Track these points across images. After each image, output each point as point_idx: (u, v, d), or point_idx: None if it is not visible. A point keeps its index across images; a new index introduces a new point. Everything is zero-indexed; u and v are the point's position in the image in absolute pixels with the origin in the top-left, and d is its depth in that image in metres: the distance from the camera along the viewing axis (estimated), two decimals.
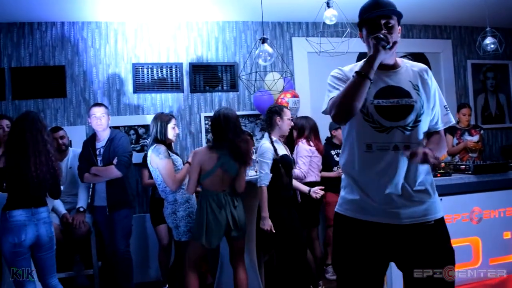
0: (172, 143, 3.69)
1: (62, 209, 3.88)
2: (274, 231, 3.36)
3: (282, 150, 3.56)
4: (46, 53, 4.89)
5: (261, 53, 3.69)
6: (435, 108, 1.93)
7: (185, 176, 3.42)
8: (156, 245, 4.34)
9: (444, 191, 3.54)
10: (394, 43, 1.82)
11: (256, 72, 4.21)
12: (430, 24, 6.04)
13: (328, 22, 3.52)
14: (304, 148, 4.15)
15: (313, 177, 4.18)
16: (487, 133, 6.10)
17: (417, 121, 1.84)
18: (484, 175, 3.66)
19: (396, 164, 1.80)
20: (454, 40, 6.16)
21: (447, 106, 2.01)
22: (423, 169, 1.84)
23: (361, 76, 1.75)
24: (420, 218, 1.82)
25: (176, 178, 3.38)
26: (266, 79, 4.68)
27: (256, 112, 5.20)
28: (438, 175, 3.63)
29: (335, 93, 1.85)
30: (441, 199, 3.43)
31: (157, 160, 3.39)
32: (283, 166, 3.47)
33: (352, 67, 1.96)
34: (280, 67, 5.27)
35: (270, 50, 3.72)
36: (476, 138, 5.08)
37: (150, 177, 3.75)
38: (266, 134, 3.62)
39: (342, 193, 1.98)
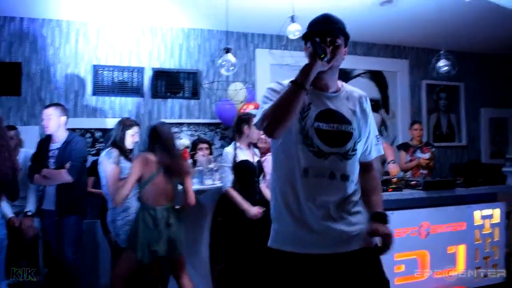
0: (131, 150, 3.65)
1: (9, 212, 3.68)
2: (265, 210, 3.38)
3: (246, 156, 3.59)
4: (3, 48, 4.72)
5: (224, 63, 3.72)
6: (370, 137, 1.86)
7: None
8: (107, 252, 4.25)
9: (395, 205, 3.67)
10: (332, 58, 1.70)
11: (218, 81, 4.22)
12: (390, 44, 6.26)
13: (291, 36, 3.60)
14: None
15: None
16: (438, 151, 6.35)
17: (354, 149, 1.76)
18: (433, 191, 3.81)
19: (332, 192, 1.70)
20: (411, 61, 6.42)
21: (378, 137, 1.94)
22: (357, 191, 1.79)
23: (296, 85, 1.64)
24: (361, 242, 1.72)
25: (117, 185, 3.30)
26: (228, 89, 4.71)
27: (217, 120, 5.21)
28: (390, 190, 3.75)
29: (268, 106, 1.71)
30: (392, 214, 3.59)
31: (106, 163, 3.37)
32: (240, 172, 3.51)
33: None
34: (243, 77, 5.32)
35: (233, 60, 3.75)
36: (427, 155, 5.24)
37: (94, 186, 3.70)
38: (234, 142, 3.68)
39: (275, 225, 1.81)
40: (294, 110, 1.64)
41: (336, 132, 1.73)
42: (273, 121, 1.65)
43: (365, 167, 1.88)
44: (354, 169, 1.77)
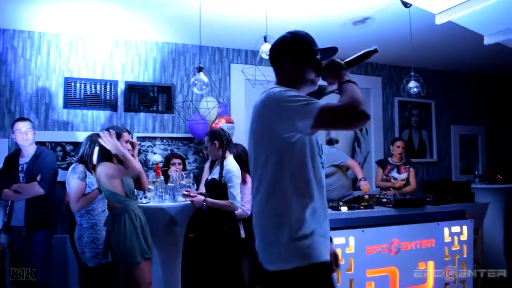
0: None
1: None
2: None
3: (213, 173, 3.63)
4: None
5: (196, 82, 3.71)
6: None
7: (89, 201, 3.36)
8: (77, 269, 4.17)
9: (366, 223, 3.71)
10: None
11: (191, 101, 4.22)
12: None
13: (264, 56, 3.61)
14: (247, 186, 4.00)
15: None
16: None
17: None
18: (403, 209, 3.87)
19: (326, 202, 1.84)
20: (384, 78, 6.53)
21: None
22: None
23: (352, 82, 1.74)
24: None
25: (80, 199, 3.31)
26: (201, 107, 4.69)
27: (191, 135, 5.18)
28: (362, 207, 3.79)
29: (321, 102, 1.65)
30: (363, 231, 3.64)
31: (70, 179, 3.36)
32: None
33: (292, 90, 1.76)
34: (217, 91, 5.32)
35: (205, 79, 3.74)
36: (404, 175, 5.20)
37: None
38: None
39: (309, 241, 1.69)
40: None
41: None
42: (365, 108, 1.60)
43: None
44: None
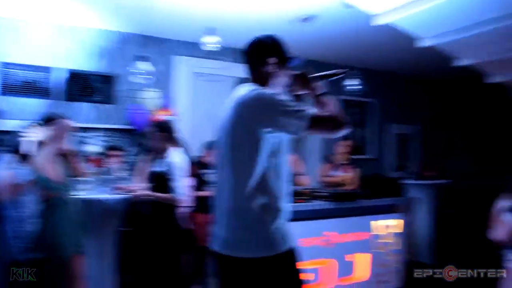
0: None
1: None
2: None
3: (156, 166, 3.63)
4: None
5: (138, 72, 3.67)
6: None
7: (18, 192, 3.24)
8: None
9: (303, 216, 3.81)
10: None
11: (133, 89, 4.16)
12: (309, 59, 6.48)
13: (206, 48, 3.63)
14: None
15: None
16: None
17: None
18: (338, 203, 4.01)
19: None
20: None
21: None
22: None
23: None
24: None
25: (8, 189, 3.18)
26: (144, 97, 4.63)
27: (131, 127, 5.12)
28: (299, 201, 3.89)
29: (313, 109, 1.87)
30: (299, 224, 3.72)
31: None
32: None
33: (281, 94, 1.94)
34: (160, 83, 5.27)
35: (149, 68, 3.71)
36: (347, 174, 5.11)
37: None
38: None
39: (286, 228, 1.90)
40: None
41: None
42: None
43: None
44: None
